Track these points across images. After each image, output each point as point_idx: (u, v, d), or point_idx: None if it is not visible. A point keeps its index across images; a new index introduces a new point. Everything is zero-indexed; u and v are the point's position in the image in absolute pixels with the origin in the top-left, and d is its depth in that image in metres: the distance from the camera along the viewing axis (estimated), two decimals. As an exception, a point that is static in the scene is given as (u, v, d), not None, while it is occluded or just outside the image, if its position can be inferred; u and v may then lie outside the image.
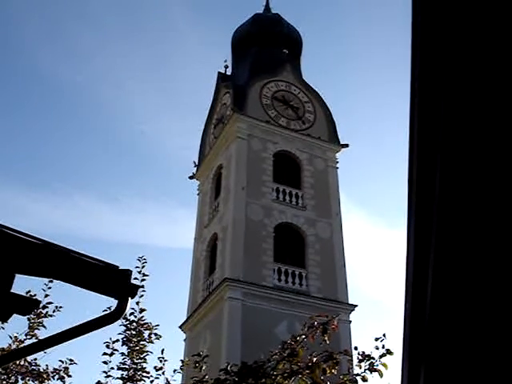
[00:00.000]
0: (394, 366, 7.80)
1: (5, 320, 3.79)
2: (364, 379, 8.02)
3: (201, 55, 59.17)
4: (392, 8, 50.49)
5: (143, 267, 9.86)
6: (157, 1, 60.54)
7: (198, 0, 61.48)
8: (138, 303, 9.57)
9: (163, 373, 9.30)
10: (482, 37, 2.21)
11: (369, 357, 8.06)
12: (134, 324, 9.43)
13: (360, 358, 8.12)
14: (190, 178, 27.65)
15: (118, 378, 9.04)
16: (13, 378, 8.64)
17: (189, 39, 58.05)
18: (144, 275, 9.81)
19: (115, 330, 9.50)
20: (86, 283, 3.52)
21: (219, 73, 28.18)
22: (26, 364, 8.78)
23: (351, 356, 8.75)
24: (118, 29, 57.38)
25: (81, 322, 3.51)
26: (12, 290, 3.43)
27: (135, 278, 9.42)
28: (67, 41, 54.74)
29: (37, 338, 8.81)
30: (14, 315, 3.66)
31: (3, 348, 8.67)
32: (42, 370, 8.87)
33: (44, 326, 9.13)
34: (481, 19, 2.18)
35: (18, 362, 8.57)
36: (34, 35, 53.69)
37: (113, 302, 3.62)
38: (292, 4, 57.29)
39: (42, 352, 6.93)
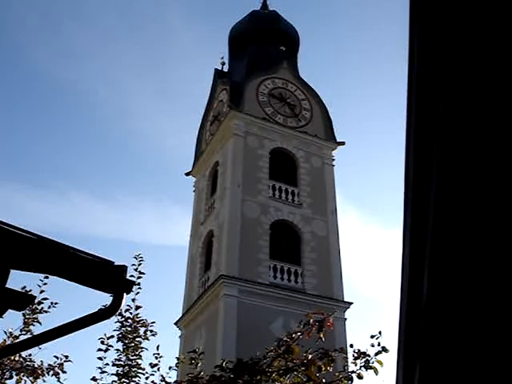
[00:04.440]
0: (389, 364, 7.81)
1: None
2: (359, 376, 8.03)
3: (197, 53, 59.18)
4: (389, 6, 50.53)
5: (139, 265, 9.85)
6: (152, 1, 60.47)
7: (195, -1, 61.46)
8: (133, 300, 9.58)
9: (158, 369, 9.30)
10: (479, 36, 2.21)
11: (364, 354, 8.07)
12: (130, 321, 9.43)
13: (355, 355, 8.13)
14: (187, 174, 27.65)
15: (113, 374, 9.03)
16: (7, 373, 8.62)
17: (185, 38, 58.06)
18: (140, 273, 9.81)
19: (111, 326, 9.50)
20: (82, 278, 3.51)
21: (216, 69, 28.15)
22: (21, 360, 8.75)
23: (346, 353, 8.76)
24: (114, 28, 57.32)
25: (76, 318, 3.50)
26: (7, 286, 3.42)
27: (131, 276, 9.41)
28: (64, 40, 54.67)
29: (32, 334, 8.79)
30: (9, 310, 3.65)
31: (-2, 343, 8.65)
32: (36, 366, 8.85)
33: (39, 322, 9.11)
34: (478, 18, 2.18)
35: (12, 358, 8.55)
36: (32, 34, 53.62)
37: (109, 299, 3.62)
38: (289, 1, 57.25)
39: (37, 348, 6.93)
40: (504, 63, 2.21)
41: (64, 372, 9.14)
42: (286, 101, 25.92)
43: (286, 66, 27.27)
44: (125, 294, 3.54)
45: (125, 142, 58.84)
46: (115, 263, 3.60)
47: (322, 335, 8.16)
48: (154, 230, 55.45)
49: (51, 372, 9.01)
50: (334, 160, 25.35)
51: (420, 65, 2.35)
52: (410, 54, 2.38)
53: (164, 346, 9.64)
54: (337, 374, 8.45)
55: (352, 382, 8.26)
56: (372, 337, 8.15)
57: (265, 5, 32.95)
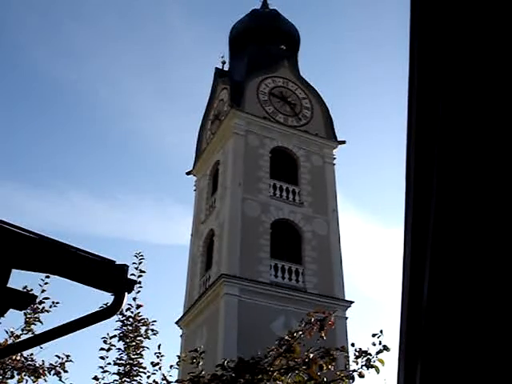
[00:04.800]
0: (390, 362, 7.81)
1: (1, 315, 3.78)
2: (361, 375, 8.04)
3: (197, 53, 59.20)
4: (390, 5, 50.51)
5: (140, 263, 9.85)
6: (152, 1, 60.45)
7: (194, -2, 61.47)
8: (134, 299, 9.57)
9: (160, 368, 9.29)
10: (480, 36, 2.21)
11: (365, 353, 8.06)
12: (131, 320, 9.43)
13: (357, 354, 8.13)
14: (187, 173, 27.67)
15: (114, 373, 9.03)
16: (9, 373, 8.61)
17: (185, 37, 58.06)
18: (141, 271, 9.80)
19: (112, 325, 9.50)
20: (83, 278, 3.52)
21: (216, 68, 28.14)
22: (22, 359, 8.75)
23: (348, 352, 8.76)
24: (114, 28, 57.34)
25: (77, 317, 3.51)
26: (8, 285, 3.42)
27: (132, 274, 9.40)
28: (64, 40, 54.71)
29: (33, 333, 8.78)
30: (11, 310, 3.65)
31: (-1, 343, 8.65)
32: (38, 366, 8.85)
33: (40, 322, 9.10)
34: (478, 19, 2.18)
35: (13, 357, 8.55)
36: (32, 34, 53.65)
37: (110, 298, 3.62)
38: (290, 0, 57.26)
39: (39, 347, 6.92)
40: (505, 63, 2.21)
41: (66, 371, 9.14)
42: (286, 100, 25.91)
43: (286, 65, 27.24)
44: (126, 293, 3.55)
45: (125, 142, 58.92)
46: (116, 262, 3.60)
47: (323, 334, 8.17)
48: (154, 230, 55.54)
49: (53, 371, 9.01)
50: (334, 159, 25.35)
51: (420, 64, 2.35)
52: (411, 53, 2.38)
53: (165, 345, 9.63)
54: (338, 372, 8.45)
55: (353, 380, 8.26)
56: (373, 335, 8.15)
57: (265, 4, 32.93)
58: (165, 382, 9.19)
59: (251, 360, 7.76)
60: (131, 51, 58.45)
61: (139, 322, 9.47)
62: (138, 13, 59.22)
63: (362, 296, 54.99)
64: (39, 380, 8.90)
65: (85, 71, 54.24)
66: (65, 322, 3.52)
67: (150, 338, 9.48)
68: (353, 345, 8.32)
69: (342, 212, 23.87)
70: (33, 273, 3.72)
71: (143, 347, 9.35)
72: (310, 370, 7.60)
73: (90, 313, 3.54)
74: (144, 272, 9.84)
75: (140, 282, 9.71)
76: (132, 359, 9.17)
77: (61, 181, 56.24)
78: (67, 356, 9.17)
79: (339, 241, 22.75)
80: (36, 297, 7.33)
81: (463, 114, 2.33)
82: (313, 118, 26.03)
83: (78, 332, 3.58)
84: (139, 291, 9.65)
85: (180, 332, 22.82)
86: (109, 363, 9.08)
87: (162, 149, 59.14)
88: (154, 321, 9.62)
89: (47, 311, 9.22)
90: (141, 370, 9.16)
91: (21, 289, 4.04)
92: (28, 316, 9.08)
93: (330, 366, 7.83)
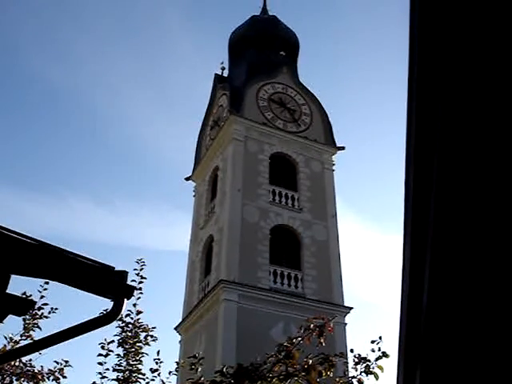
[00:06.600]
0: (389, 369, 7.80)
1: (0, 320, 3.77)
2: (360, 382, 8.01)
3: (196, 58, 59.27)
4: (389, 10, 50.68)
5: (141, 270, 9.83)
6: (150, 6, 60.53)
7: (192, 4, 61.62)
8: (134, 305, 9.56)
9: (159, 374, 9.28)
10: (481, 38, 2.21)
11: (365, 359, 8.04)
12: (131, 326, 9.41)
13: (356, 360, 8.10)
14: (187, 179, 27.68)
15: (113, 379, 9.01)
16: (7, 378, 8.59)
17: (184, 43, 58.14)
18: (142, 278, 9.79)
19: (111, 331, 9.49)
20: (82, 284, 3.51)
21: (216, 74, 28.21)
22: (21, 365, 8.74)
23: (347, 358, 8.74)
24: (112, 33, 57.39)
25: (76, 323, 3.50)
26: (7, 291, 3.42)
27: (133, 281, 9.41)
28: (62, 45, 54.80)
29: (32, 339, 8.77)
30: (10, 316, 3.65)
31: (-2, 349, 8.63)
32: (36, 371, 8.84)
33: (39, 328, 9.09)
34: (479, 20, 2.18)
35: (12, 363, 8.53)
36: (29, 39, 53.69)
37: (109, 304, 3.62)
38: (289, 6, 57.38)
39: (37, 353, 6.91)
40: (505, 66, 2.21)
41: (64, 377, 9.13)
42: (285, 106, 25.95)
43: (285, 71, 27.31)
44: (125, 299, 3.54)
45: (124, 147, 58.96)
46: (116, 268, 3.60)
47: (322, 340, 8.14)
48: (153, 235, 55.49)
49: (51, 377, 8.99)
50: (333, 165, 25.36)
51: (420, 68, 2.35)
52: (410, 58, 2.39)
53: (164, 351, 9.65)
54: (337, 379, 8.43)
55: (352, 387, 8.23)
56: (372, 342, 8.13)
57: (265, 10, 33.04)
58: (164, 388, 9.18)
59: (250, 366, 7.73)
60: (129, 57, 58.61)
61: (139, 328, 9.46)
62: (136, 18, 59.42)
63: (361, 302, 54.93)
64: (38, 386, 8.88)
65: (83, 76, 54.36)
66: (64, 328, 3.52)
67: (149, 345, 9.46)
68: (352, 351, 8.30)
69: (341, 218, 23.88)
70: (32, 279, 3.72)
71: (142, 353, 9.33)
72: (309, 377, 7.57)
73: (89, 319, 3.54)
74: (145, 278, 9.83)
75: (141, 289, 9.70)
76: (131, 365, 9.15)
77: (60, 186, 56.31)
78: (66, 362, 9.16)
79: (338, 246, 22.72)
80: (35, 303, 7.33)
81: (463, 118, 2.34)
82: (312, 124, 26.06)
83: (77, 338, 3.58)
84: (139, 297, 9.65)
85: (179, 338, 22.78)
86: (107, 369, 9.06)
87: (161, 154, 59.20)
88: (154, 327, 9.61)
89: (46, 317, 9.21)
90: (140, 376, 9.15)
91: (20, 295, 4.03)
92: (27, 322, 9.07)
93: (329, 373, 7.80)
